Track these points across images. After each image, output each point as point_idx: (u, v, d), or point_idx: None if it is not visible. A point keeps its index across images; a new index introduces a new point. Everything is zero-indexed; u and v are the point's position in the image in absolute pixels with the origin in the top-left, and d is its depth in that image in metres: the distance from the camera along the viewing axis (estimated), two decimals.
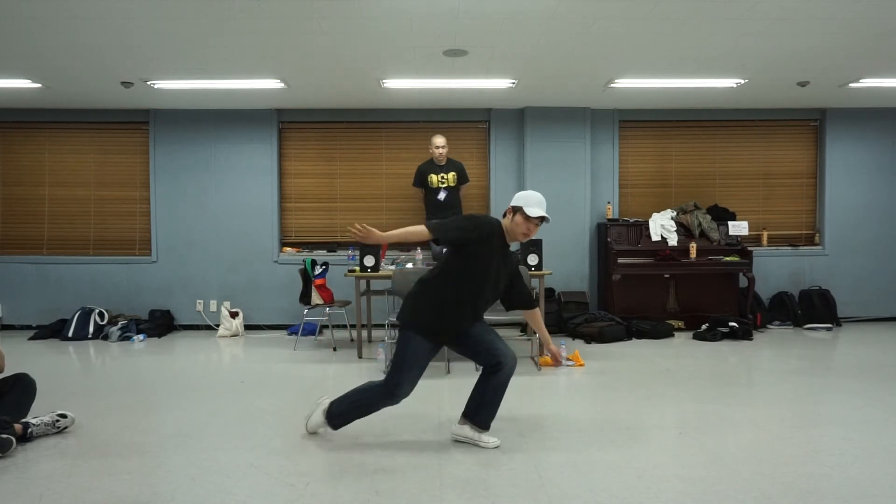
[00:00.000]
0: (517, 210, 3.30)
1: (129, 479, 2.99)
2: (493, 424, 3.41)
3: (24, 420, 3.48)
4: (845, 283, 7.30)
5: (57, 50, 4.85)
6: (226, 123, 7.11)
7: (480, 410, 3.41)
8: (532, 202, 3.29)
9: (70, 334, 6.61)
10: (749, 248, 6.87)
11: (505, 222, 3.36)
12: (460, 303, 3.28)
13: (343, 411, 3.43)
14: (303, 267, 6.42)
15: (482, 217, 3.40)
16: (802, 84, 6.07)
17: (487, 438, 3.38)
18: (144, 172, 7.18)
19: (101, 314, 6.79)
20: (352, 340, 6.44)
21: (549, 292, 6.86)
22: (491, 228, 3.30)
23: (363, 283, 5.81)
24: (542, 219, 3.30)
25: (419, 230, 3.29)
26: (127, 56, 5.02)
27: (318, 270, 6.35)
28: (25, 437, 3.42)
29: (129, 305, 7.07)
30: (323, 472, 3.06)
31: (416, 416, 3.73)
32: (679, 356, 5.64)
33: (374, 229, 3.22)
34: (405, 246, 6.53)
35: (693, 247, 6.77)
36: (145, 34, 4.49)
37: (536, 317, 3.62)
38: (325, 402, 3.51)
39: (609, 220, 7.07)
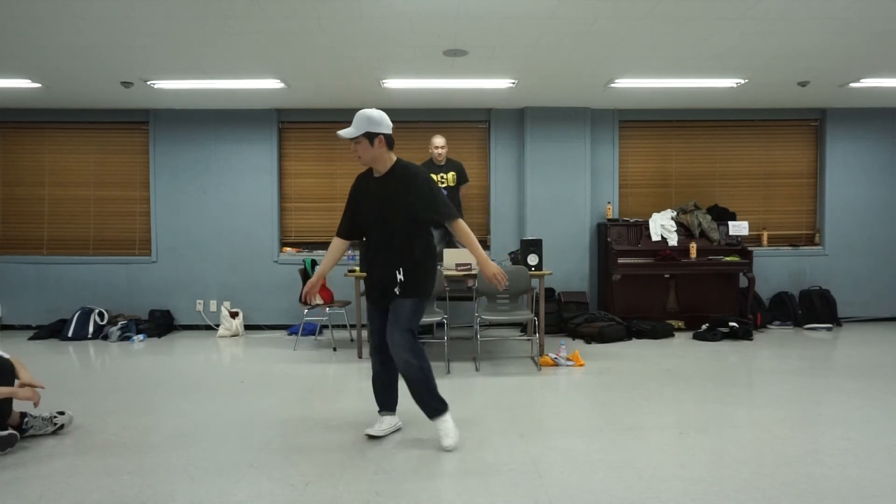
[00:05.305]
0: (375, 136, 3.22)
1: (129, 479, 2.99)
2: (495, 424, 3.41)
3: (21, 410, 3.48)
4: (845, 283, 7.31)
5: (57, 50, 4.85)
6: (225, 123, 7.11)
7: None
8: (385, 121, 3.26)
9: (70, 334, 6.60)
10: (749, 248, 6.87)
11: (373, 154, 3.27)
12: (369, 254, 3.50)
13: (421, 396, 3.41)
14: (303, 267, 6.43)
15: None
16: (802, 84, 6.07)
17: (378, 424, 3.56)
18: (144, 172, 7.18)
19: (100, 314, 6.79)
20: (352, 340, 6.44)
21: (549, 292, 6.86)
22: (357, 180, 3.48)
23: (363, 283, 5.80)
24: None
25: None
26: (127, 56, 5.02)
27: None
28: (22, 428, 3.43)
29: (129, 305, 7.08)
30: (323, 472, 3.06)
31: (415, 417, 3.72)
32: (679, 356, 5.63)
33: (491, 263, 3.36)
34: None
35: (693, 247, 6.77)
36: (145, 34, 4.49)
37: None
38: (443, 426, 3.39)
39: (609, 220, 7.07)
